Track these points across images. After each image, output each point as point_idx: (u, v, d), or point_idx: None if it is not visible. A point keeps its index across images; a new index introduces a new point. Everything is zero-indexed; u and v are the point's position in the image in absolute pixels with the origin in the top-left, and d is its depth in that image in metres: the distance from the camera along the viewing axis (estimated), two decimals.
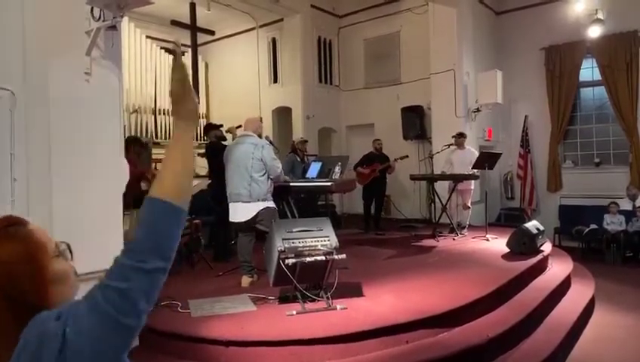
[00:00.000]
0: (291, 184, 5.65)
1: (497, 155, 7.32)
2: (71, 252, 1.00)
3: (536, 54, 9.25)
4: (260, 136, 4.87)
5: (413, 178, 7.77)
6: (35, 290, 0.90)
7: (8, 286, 0.89)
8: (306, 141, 7.60)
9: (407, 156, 7.99)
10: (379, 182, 7.92)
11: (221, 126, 6.23)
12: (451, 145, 7.58)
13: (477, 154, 7.42)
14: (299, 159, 7.12)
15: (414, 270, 5.01)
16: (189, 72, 1.03)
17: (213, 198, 5.81)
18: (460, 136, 7.52)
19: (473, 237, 6.95)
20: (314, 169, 5.94)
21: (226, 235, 6.05)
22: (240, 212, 4.55)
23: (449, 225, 7.32)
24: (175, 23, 9.55)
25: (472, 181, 7.36)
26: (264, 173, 4.54)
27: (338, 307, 3.65)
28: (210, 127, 6.34)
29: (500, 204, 9.81)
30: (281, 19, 10.09)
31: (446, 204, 7.30)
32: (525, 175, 9.32)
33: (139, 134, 8.94)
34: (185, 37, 10.13)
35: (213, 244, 6.12)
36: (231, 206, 4.64)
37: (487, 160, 7.05)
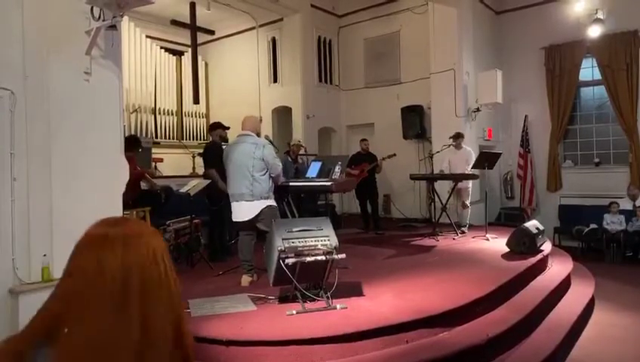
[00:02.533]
0: (292, 184, 5.65)
1: (497, 155, 7.32)
2: None
3: (536, 54, 9.25)
4: (258, 134, 4.87)
5: (413, 177, 7.76)
6: (169, 300, 0.85)
7: (142, 289, 0.82)
8: (300, 146, 7.45)
9: (394, 155, 7.93)
10: (369, 182, 7.87)
11: (228, 128, 6.15)
12: (450, 145, 7.57)
13: (473, 153, 7.43)
14: (290, 160, 7.09)
15: (414, 269, 5.01)
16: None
17: (208, 197, 5.82)
18: (457, 137, 7.51)
19: (473, 237, 6.95)
20: (314, 169, 5.93)
21: (222, 234, 6.05)
22: (243, 211, 4.55)
23: (449, 224, 7.33)
24: (175, 23, 9.56)
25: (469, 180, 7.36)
26: (265, 172, 4.55)
27: (338, 306, 3.65)
28: (216, 126, 6.14)
29: (500, 204, 9.81)
30: (281, 19, 10.09)
31: (446, 204, 7.31)
32: (525, 174, 9.32)
33: (139, 134, 8.96)
34: (185, 36, 10.15)
35: (209, 244, 6.12)
36: (234, 205, 4.64)
37: (486, 159, 7.05)
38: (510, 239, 5.77)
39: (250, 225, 4.62)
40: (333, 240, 3.80)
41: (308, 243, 3.73)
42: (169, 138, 10.19)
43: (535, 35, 9.16)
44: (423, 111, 9.46)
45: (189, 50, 10.02)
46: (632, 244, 7.76)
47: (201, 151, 6.51)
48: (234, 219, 4.68)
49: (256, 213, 4.50)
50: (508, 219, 9.27)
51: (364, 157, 7.94)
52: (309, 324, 3.33)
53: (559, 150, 9.27)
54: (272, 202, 4.62)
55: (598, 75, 8.82)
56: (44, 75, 3.26)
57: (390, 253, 6.08)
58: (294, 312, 3.53)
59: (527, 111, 9.44)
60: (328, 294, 3.75)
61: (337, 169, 5.58)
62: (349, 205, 10.33)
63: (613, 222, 7.92)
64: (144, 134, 9.30)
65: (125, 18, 7.50)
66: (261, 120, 10.03)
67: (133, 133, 8.75)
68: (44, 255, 3.41)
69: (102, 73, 3.53)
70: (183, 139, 10.47)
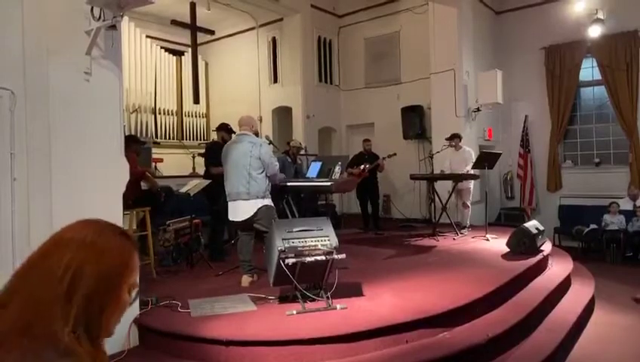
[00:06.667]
0: (293, 184, 5.64)
1: (497, 155, 7.32)
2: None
3: (536, 54, 9.25)
4: (256, 132, 4.88)
5: (413, 177, 7.76)
6: (111, 298, 0.93)
7: (105, 274, 0.91)
8: (300, 148, 7.42)
9: (394, 154, 7.91)
10: (370, 182, 7.86)
11: (234, 132, 6.12)
12: (449, 145, 7.56)
13: (473, 153, 7.43)
14: (290, 160, 7.08)
15: (414, 270, 5.01)
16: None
17: (208, 197, 5.81)
18: (454, 138, 7.50)
19: (473, 237, 6.95)
20: (314, 169, 5.93)
21: (222, 235, 6.04)
22: (240, 210, 4.56)
23: (449, 224, 7.32)
24: (175, 23, 9.55)
25: (471, 180, 7.36)
26: (262, 171, 4.56)
27: (338, 307, 3.65)
28: (222, 128, 6.09)
29: (500, 204, 9.82)
30: (281, 19, 10.09)
31: (446, 204, 7.30)
32: (525, 175, 9.32)
33: (139, 134, 8.96)
34: (185, 36, 10.14)
35: (208, 244, 6.11)
36: (230, 205, 4.64)
37: (486, 159, 7.05)
38: (510, 239, 5.77)
39: (247, 225, 4.62)
40: (333, 241, 3.80)
41: (308, 244, 3.73)
42: (169, 138, 10.20)
43: (535, 35, 9.16)
44: (423, 111, 9.46)
45: (189, 50, 10.02)
46: (632, 244, 7.75)
47: (201, 151, 6.50)
48: (230, 218, 4.69)
49: (253, 212, 4.50)
50: (508, 219, 9.27)
51: (365, 157, 7.93)
52: (309, 324, 3.34)
53: (559, 150, 9.27)
54: (268, 202, 4.62)
55: (598, 75, 8.82)
56: (44, 75, 3.26)
57: (390, 253, 6.08)
58: (294, 312, 3.54)
59: (527, 111, 9.45)
60: (328, 294, 3.75)
61: (337, 169, 5.57)
62: (349, 205, 10.33)
63: (613, 223, 7.91)
64: (144, 134, 9.30)
65: (125, 18, 7.51)
66: (261, 120, 10.04)
67: (132, 133, 8.74)
68: None
69: (102, 73, 3.52)
70: (183, 139, 10.48)
